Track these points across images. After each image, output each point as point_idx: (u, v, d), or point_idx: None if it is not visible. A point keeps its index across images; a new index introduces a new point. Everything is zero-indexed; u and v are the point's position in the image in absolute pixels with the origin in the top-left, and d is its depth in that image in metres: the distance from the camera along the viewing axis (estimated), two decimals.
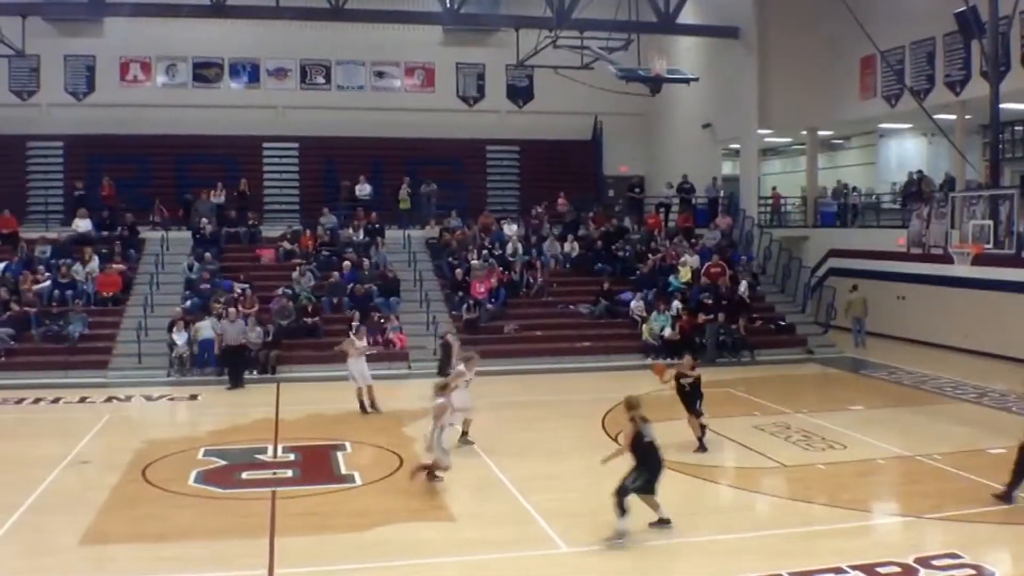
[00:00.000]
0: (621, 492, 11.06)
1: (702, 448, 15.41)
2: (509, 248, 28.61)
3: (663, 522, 11.42)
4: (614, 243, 29.54)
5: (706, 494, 13.73)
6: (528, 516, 12.31)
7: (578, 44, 27.94)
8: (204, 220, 28.60)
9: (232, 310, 22.97)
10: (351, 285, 26.13)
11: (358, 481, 14.01)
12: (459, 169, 33.42)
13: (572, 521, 11.86)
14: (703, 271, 27.51)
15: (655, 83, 26.75)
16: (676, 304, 26.00)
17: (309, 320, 24.67)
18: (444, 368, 19.74)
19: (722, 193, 32.50)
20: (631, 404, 11.49)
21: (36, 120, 32.44)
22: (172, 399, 20.95)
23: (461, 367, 15.78)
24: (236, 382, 21.91)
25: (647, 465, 11.26)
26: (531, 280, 27.46)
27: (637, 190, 32.80)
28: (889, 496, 13.97)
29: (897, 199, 31.68)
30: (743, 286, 27.10)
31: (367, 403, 18.70)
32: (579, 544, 11.12)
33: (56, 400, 20.42)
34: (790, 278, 29.22)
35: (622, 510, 11.00)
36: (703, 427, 15.61)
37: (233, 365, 22.22)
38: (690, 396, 15.60)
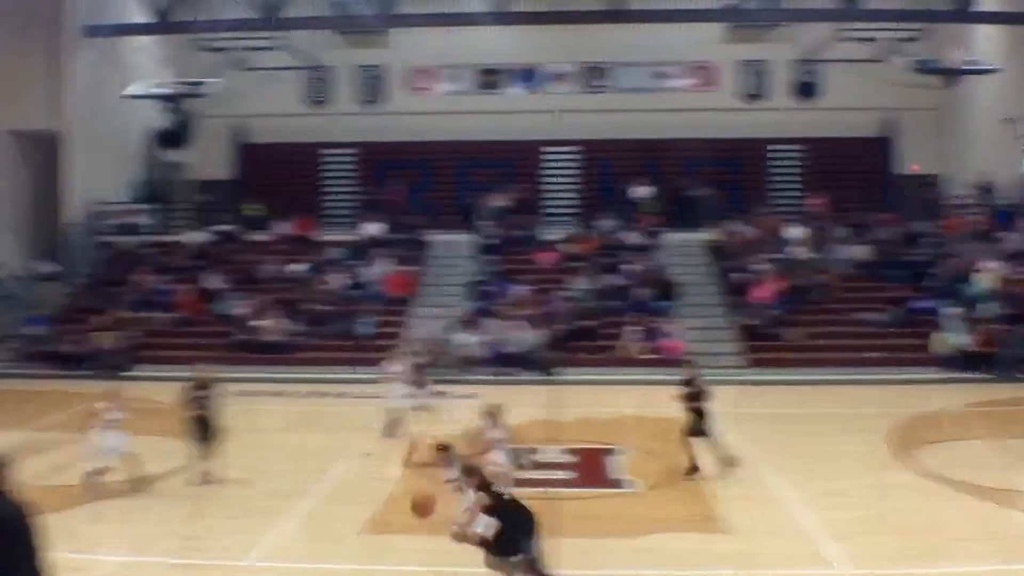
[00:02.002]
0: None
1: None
2: (793, 251, 27.55)
3: None
4: (906, 247, 27.86)
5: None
6: (806, 532, 11.77)
7: (866, 36, 26.60)
8: (486, 224, 29.25)
9: (512, 312, 23.32)
10: (629, 289, 25.95)
11: (630, 486, 13.78)
12: (739, 169, 32.55)
13: (853, 541, 11.21)
14: (1005, 277, 25.44)
15: (951, 75, 25.07)
16: (975, 313, 24.16)
17: (586, 323, 24.67)
18: None
19: None
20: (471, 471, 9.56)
21: (329, 128, 34.15)
22: (457, 397, 21.41)
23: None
24: (515, 382, 22.19)
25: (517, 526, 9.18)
26: (816, 286, 26.27)
27: (931, 190, 30.84)
28: None
29: None
30: None
31: None
32: (862, 566, 10.47)
33: (342, 395, 21.35)
34: None
35: None
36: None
37: (511, 367, 22.55)
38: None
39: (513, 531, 8.99)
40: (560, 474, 14.50)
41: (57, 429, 17.93)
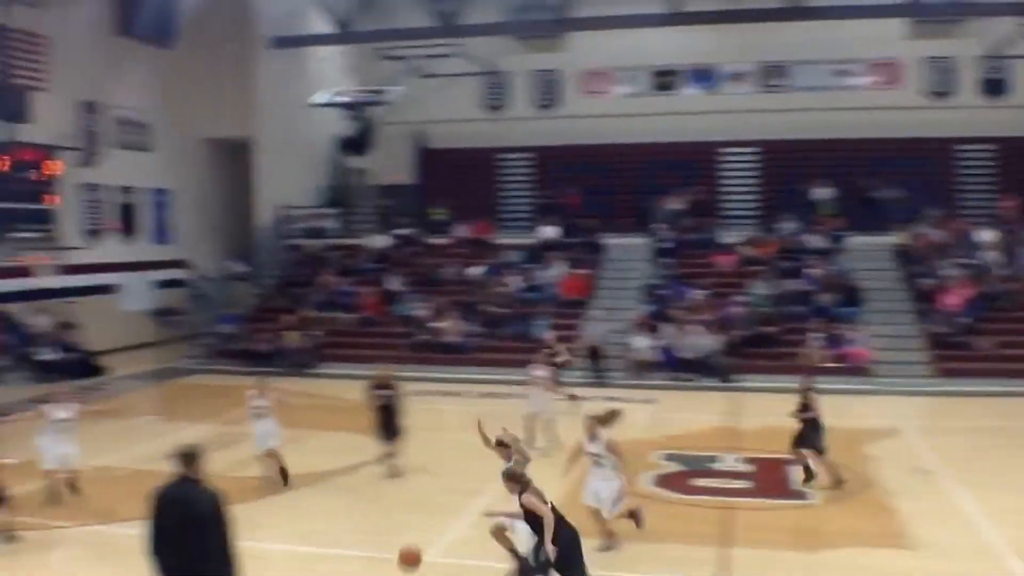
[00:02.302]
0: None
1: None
2: (985, 256, 26.33)
3: None
4: None
5: None
6: (992, 550, 11.27)
7: None
8: (662, 226, 29.05)
9: (689, 317, 23.10)
10: (811, 294, 25.35)
11: (810, 497, 13.49)
12: (926, 170, 31.31)
13: None
14: None
15: None
16: None
17: (766, 329, 24.20)
18: None
19: None
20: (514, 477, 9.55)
21: (507, 133, 34.55)
22: (630, 401, 21.36)
23: None
24: (692, 388, 22.00)
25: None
26: (1007, 292, 25.02)
27: None
28: None
29: None
30: None
31: None
32: None
33: (519, 396, 21.53)
34: None
35: None
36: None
37: (688, 372, 22.35)
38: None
39: (571, 554, 9.17)
40: (738, 483, 14.29)
41: (243, 423, 18.73)
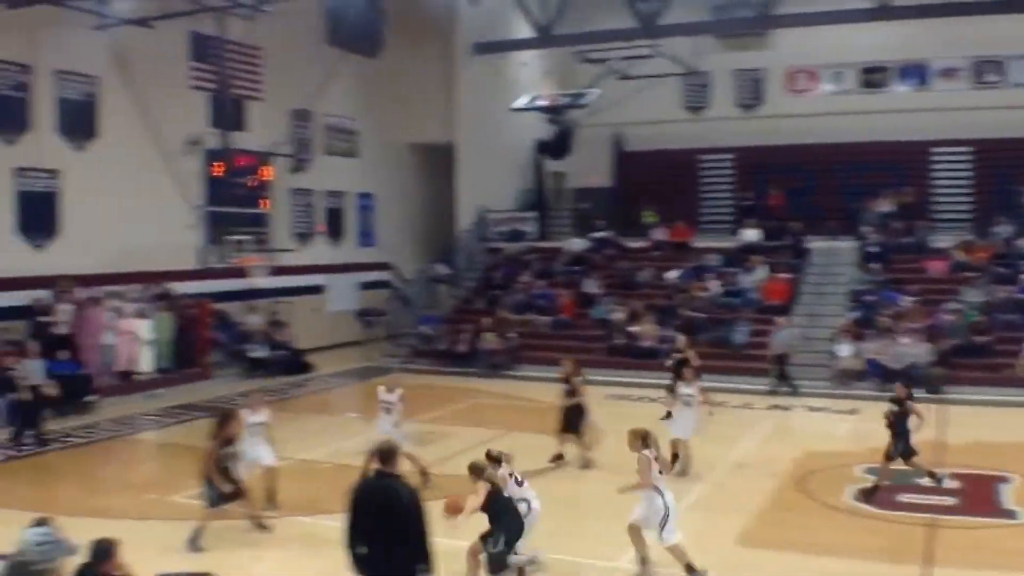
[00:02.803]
0: (493, 563, 9.80)
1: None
2: None
3: None
4: None
5: None
6: None
7: None
8: (870, 229, 27.93)
9: (897, 324, 22.10)
10: None
11: (1022, 517, 12.72)
12: None
13: None
14: None
15: None
16: None
17: (979, 338, 22.91)
18: None
19: None
20: (476, 469, 9.95)
21: (707, 134, 34.03)
22: (834, 411, 20.66)
23: None
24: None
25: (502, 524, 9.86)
26: None
27: None
28: None
29: None
30: None
31: None
32: None
33: (719, 403, 21.17)
34: None
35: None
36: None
37: (894, 382, 21.34)
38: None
39: (499, 527, 9.70)
40: (944, 500, 13.54)
41: (441, 422, 19.11)
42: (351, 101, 30.46)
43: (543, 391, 22.46)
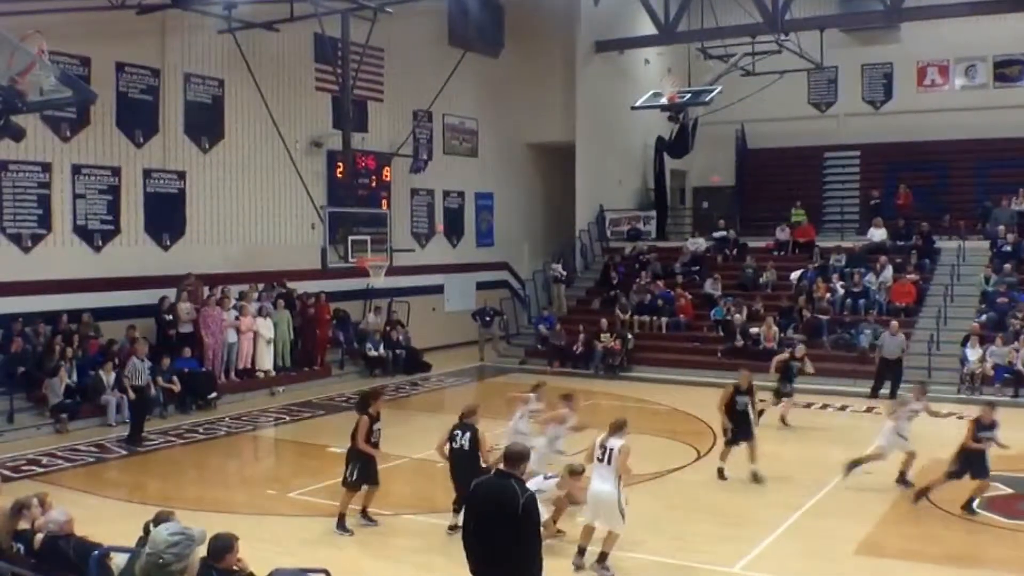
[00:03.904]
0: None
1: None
2: None
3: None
4: None
5: None
6: None
7: None
8: (1002, 229, 26.86)
9: None
10: None
11: None
12: None
13: None
14: None
15: None
16: None
17: None
18: None
19: None
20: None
21: (833, 130, 33.21)
22: (960, 417, 19.87)
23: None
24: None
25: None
26: None
27: None
28: None
29: None
30: None
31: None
32: None
33: (843, 407, 20.64)
34: None
35: None
36: None
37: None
38: None
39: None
40: None
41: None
42: (471, 101, 30.58)
43: (659, 393, 22.31)
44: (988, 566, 10.77)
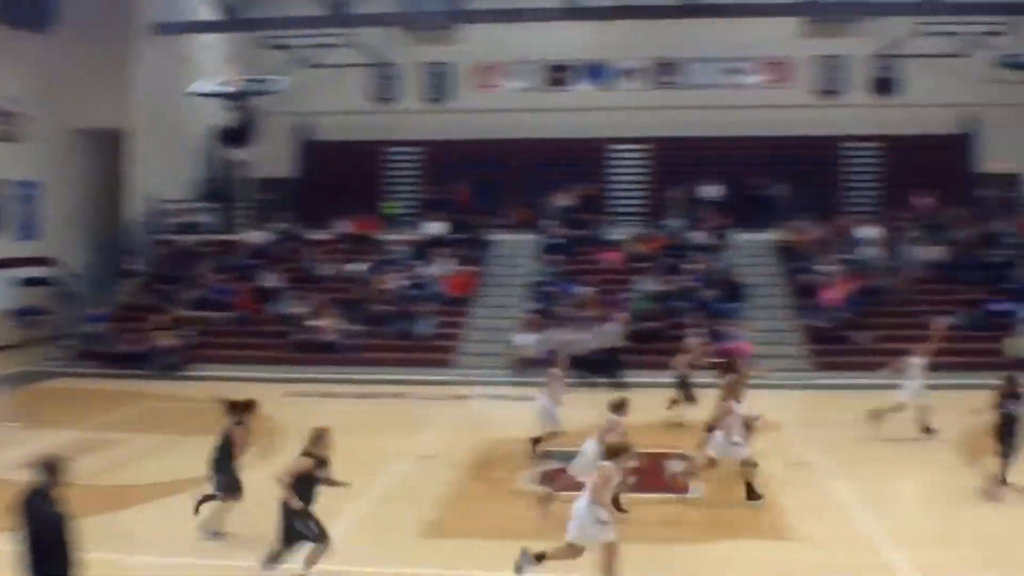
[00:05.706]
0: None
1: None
2: (866, 252, 26.60)
3: None
4: (984, 247, 26.74)
5: None
6: (872, 541, 11.45)
7: (948, 30, 25.58)
8: (551, 223, 28.66)
9: (576, 313, 22.75)
10: (694, 290, 25.26)
11: (694, 492, 13.40)
12: (813, 168, 31.51)
13: (921, 550, 10.98)
14: None
15: None
16: None
17: (652, 324, 24.00)
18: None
19: None
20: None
21: (397, 126, 33.79)
22: (513, 399, 20.91)
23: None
24: (579, 385, 21.51)
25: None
26: (888, 288, 25.29)
27: (1012, 188, 29.58)
28: None
29: None
30: None
31: None
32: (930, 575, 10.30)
33: (398, 395, 21.01)
34: None
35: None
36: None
37: (575, 369, 21.89)
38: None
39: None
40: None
41: (110, 429, 17.74)
42: (15, 81, 27.76)
43: (222, 392, 21.46)
44: (539, 535, 11.16)
